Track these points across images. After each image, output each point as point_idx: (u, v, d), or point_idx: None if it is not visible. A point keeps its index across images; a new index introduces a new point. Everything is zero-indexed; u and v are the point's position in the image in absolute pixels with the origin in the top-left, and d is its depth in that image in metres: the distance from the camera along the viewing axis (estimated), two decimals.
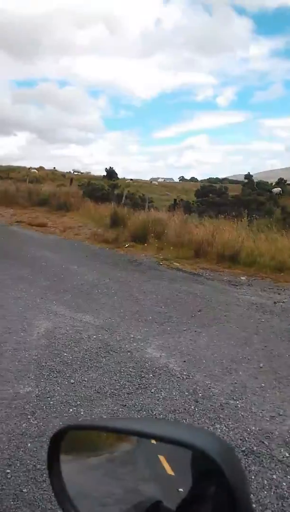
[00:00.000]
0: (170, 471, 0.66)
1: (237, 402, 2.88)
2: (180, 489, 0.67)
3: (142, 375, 3.21)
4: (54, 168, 39.53)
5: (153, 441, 0.72)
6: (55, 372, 3.20)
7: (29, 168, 36.68)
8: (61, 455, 0.69)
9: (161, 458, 0.69)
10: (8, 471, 2.09)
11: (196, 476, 0.63)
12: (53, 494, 0.65)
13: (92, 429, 0.76)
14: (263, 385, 3.13)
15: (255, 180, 29.63)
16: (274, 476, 2.13)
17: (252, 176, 30.48)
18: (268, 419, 2.68)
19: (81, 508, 0.65)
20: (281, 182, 30.23)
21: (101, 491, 0.75)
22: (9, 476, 2.05)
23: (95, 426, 0.76)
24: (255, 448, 2.37)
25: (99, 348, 3.67)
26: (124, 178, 37.92)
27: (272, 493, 1.99)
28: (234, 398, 2.94)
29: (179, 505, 0.60)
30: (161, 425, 0.67)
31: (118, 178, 34.59)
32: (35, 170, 35.46)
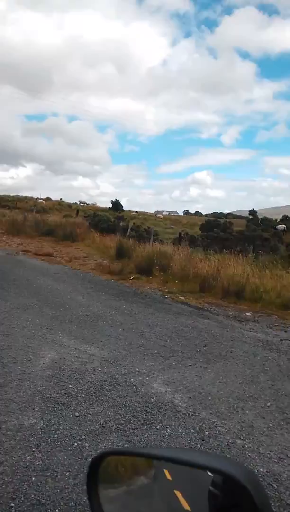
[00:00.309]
0: (186, 506, 0.68)
1: (244, 442, 2.83)
2: None
3: (148, 411, 3.17)
4: (61, 199, 40.33)
5: (169, 477, 0.75)
6: (60, 404, 3.17)
7: (36, 199, 37.45)
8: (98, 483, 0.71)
9: (177, 493, 0.71)
10: (12, 504, 2.05)
11: (215, 510, 0.66)
12: None
13: (130, 455, 0.79)
14: (270, 425, 3.08)
15: (259, 216, 30.02)
16: None
17: (256, 212, 30.89)
18: (276, 460, 2.63)
19: None
20: (285, 219, 30.59)
21: None
22: (13, 510, 2.01)
23: (133, 452, 0.78)
24: None
25: (104, 381, 3.65)
26: (129, 210, 38.55)
27: None
28: (241, 437, 2.89)
29: None
30: (196, 454, 0.70)
31: (123, 210, 35.16)
32: (42, 201, 36.17)
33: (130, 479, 0.79)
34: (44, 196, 40.47)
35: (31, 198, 37.84)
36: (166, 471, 0.74)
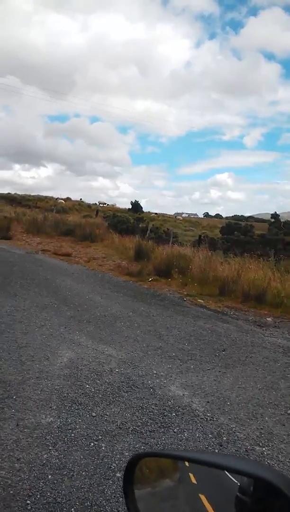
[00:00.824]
0: (211, 510, 0.67)
1: (263, 449, 2.77)
2: None
3: (165, 414, 3.13)
4: (81, 199, 40.76)
5: (194, 481, 0.73)
6: (77, 404, 3.17)
7: (56, 199, 37.94)
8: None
9: (202, 497, 0.70)
10: (28, 502, 2.05)
11: None
12: None
13: (168, 457, 0.78)
14: None
15: (282, 220, 29.58)
16: None
17: (279, 215, 30.44)
18: None
19: None
20: None
21: None
22: (29, 508, 2.01)
23: (170, 454, 0.77)
24: None
25: (122, 382, 3.63)
26: (149, 211, 38.61)
27: None
28: (260, 444, 2.82)
29: None
30: (233, 459, 0.68)
31: (143, 212, 35.22)
32: (62, 201, 36.62)
33: (155, 481, 0.78)
34: (64, 196, 41.02)
35: (51, 198, 38.38)
36: (191, 475, 0.73)
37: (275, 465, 2.58)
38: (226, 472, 0.67)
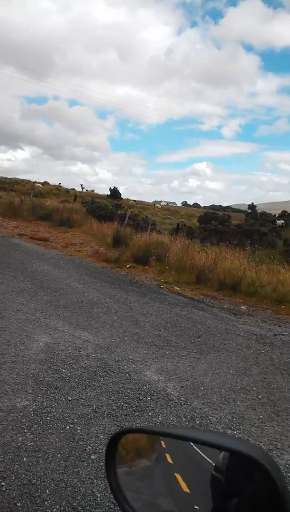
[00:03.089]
0: (186, 489, 0.70)
1: (235, 432, 2.86)
2: (196, 507, 0.70)
3: (140, 398, 3.18)
4: (59, 183, 39.99)
5: (170, 461, 0.75)
6: (53, 388, 3.17)
7: (34, 182, 37.10)
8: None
9: (178, 476, 0.72)
10: (3, 484, 2.06)
11: (217, 495, 0.66)
12: (110, 492, 0.67)
13: (150, 433, 0.79)
14: (261, 417, 3.11)
15: (258, 211, 30.03)
16: None
17: (255, 206, 30.86)
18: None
19: (136, 507, 0.67)
20: (284, 215, 30.61)
21: None
22: (3, 489, 2.02)
23: (152, 431, 0.79)
24: None
25: (98, 367, 3.66)
26: (127, 198, 38.39)
27: None
28: (232, 428, 2.91)
29: None
30: (215, 435, 0.70)
31: (121, 198, 34.97)
32: (39, 184, 35.86)
33: (132, 461, 0.79)
34: (41, 180, 40.12)
35: (29, 181, 37.50)
36: (167, 455, 0.75)
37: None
38: (201, 453, 0.69)
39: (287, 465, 2.53)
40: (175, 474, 0.72)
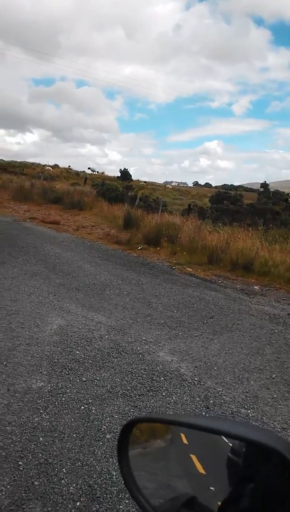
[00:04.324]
0: (201, 470, 0.68)
1: (249, 411, 2.87)
2: (212, 488, 0.68)
3: (153, 378, 3.20)
4: (69, 166, 39.77)
5: (185, 441, 0.74)
6: (67, 369, 3.21)
7: (43, 165, 36.96)
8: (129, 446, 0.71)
9: (193, 457, 0.70)
10: (20, 463, 2.10)
11: (237, 478, 0.64)
12: (123, 481, 0.66)
13: (161, 422, 0.78)
14: (275, 396, 3.10)
15: (271, 189, 29.47)
16: None
17: (268, 185, 30.26)
18: (279, 430, 2.66)
19: (149, 496, 0.66)
20: None
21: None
22: (21, 468, 2.06)
23: (165, 420, 0.77)
24: None
25: (111, 348, 3.68)
26: (138, 180, 38.06)
27: None
28: (246, 407, 2.92)
29: (221, 504, 0.61)
30: (227, 423, 0.68)
31: (132, 180, 34.67)
32: (49, 168, 35.73)
33: (147, 442, 0.78)
34: (51, 163, 39.88)
35: (38, 164, 37.32)
36: (182, 435, 0.74)
37: (260, 426, 2.69)
38: None
39: None
40: (191, 455, 0.71)
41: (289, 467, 0.50)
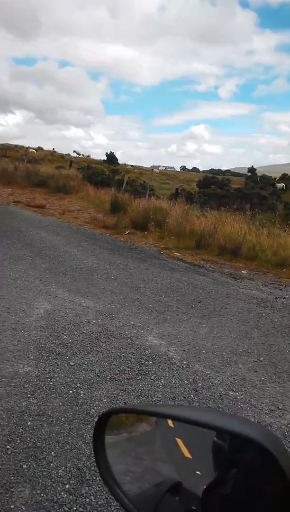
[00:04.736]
0: (187, 454, 0.67)
1: (237, 393, 2.89)
2: (197, 472, 0.67)
3: (142, 362, 3.20)
4: (53, 149, 39.03)
5: (171, 424, 0.72)
6: (55, 353, 3.18)
7: (27, 148, 36.16)
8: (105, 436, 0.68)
9: (179, 441, 0.69)
10: (8, 447, 2.08)
11: (220, 463, 0.63)
12: (99, 474, 0.63)
13: (137, 413, 0.75)
14: (262, 378, 3.14)
15: (258, 174, 29.55)
16: None
17: (255, 169, 30.32)
18: (267, 412, 2.69)
19: (127, 489, 0.64)
20: (284, 178, 30.18)
21: (119, 469, 0.75)
22: (9, 452, 2.04)
23: (142, 411, 0.75)
24: None
25: (99, 332, 3.65)
26: (124, 163, 37.68)
27: None
28: (234, 389, 2.94)
29: (205, 489, 0.59)
30: (210, 413, 0.65)
31: (118, 164, 34.31)
32: (33, 150, 35.01)
33: (132, 426, 0.76)
34: (35, 146, 39.03)
35: (22, 147, 36.47)
36: (168, 419, 0.71)
37: (248, 408, 2.71)
38: None
39: (289, 425, 2.56)
40: (176, 438, 0.69)
41: (267, 458, 0.48)
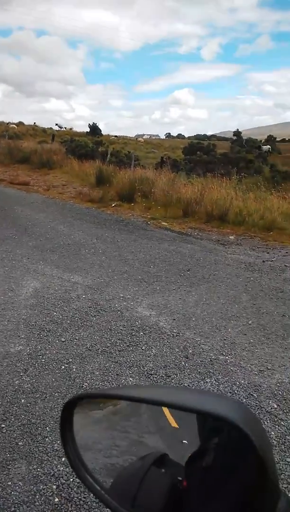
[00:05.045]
0: (174, 424, 0.66)
1: (227, 357, 2.95)
2: (184, 441, 0.67)
3: (133, 333, 3.23)
4: (35, 123, 37.84)
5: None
6: (46, 331, 3.19)
7: (7, 123, 35.00)
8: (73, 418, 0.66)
9: (165, 410, 0.68)
10: (3, 425, 2.11)
11: (205, 432, 0.62)
12: (68, 462, 0.62)
13: (107, 397, 0.74)
14: (251, 341, 3.20)
15: (244, 137, 29.10)
16: (263, 426, 2.21)
17: (241, 133, 29.81)
18: (257, 373, 2.76)
19: (98, 477, 0.63)
20: (270, 140, 29.79)
21: (105, 443, 0.75)
22: (4, 431, 2.07)
23: (111, 395, 0.73)
24: (244, 400, 2.44)
25: (89, 307, 3.67)
26: (108, 134, 36.79)
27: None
28: (224, 353, 3.00)
29: (188, 459, 0.59)
30: (180, 393, 0.64)
31: (102, 135, 33.46)
32: (14, 125, 33.93)
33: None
34: (15, 121, 37.79)
35: (2, 122, 35.31)
36: None
37: (238, 371, 2.77)
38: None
39: (277, 384, 2.63)
40: (163, 408, 0.69)
41: (240, 435, 0.47)
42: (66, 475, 1.83)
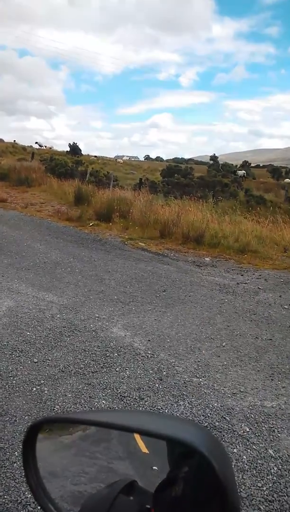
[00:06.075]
0: (144, 449, 0.65)
1: (200, 379, 2.96)
2: (154, 467, 0.67)
3: (107, 354, 3.20)
4: (14, 141, 37.82)
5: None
6: (18, 351, 3.12)
7: None
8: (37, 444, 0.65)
9: (136, 436, 0.68)
10: None
11: (174, 458, 0.62)
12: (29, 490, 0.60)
13: (69, 422, 0.73)
14: (225, 363, 3.22)
15: (220, 162, 29.97)
16: (235, 450, 2.21)
17: (217, 157, 30.72)
18: (229, 395, 2.77)
19: (64, 505, 0.62)
20: (245, 165, 30.80)
21: (74, 470, 0.73)
22: None
23: (74, 419, 0.72)
24: (217, 423, 2.44)
25: (63, 327, 3.62)
26: (88, 154, 37.11)
27: (233, 467, 2.07)
28: (197, 375, 3.01)
29: (157, 487, 0.59)
30: (144, 418, 0.64)
31: (82, 155, 33.73)
32: None
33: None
34: None
35: None
36: None
37: (211, 393, 2.78)
38: None
39: (250, 407, 2.65)
40: (134, 434, 0.68)
41: (207, 465, 0.48)
42: (33, 502, 1.76)
